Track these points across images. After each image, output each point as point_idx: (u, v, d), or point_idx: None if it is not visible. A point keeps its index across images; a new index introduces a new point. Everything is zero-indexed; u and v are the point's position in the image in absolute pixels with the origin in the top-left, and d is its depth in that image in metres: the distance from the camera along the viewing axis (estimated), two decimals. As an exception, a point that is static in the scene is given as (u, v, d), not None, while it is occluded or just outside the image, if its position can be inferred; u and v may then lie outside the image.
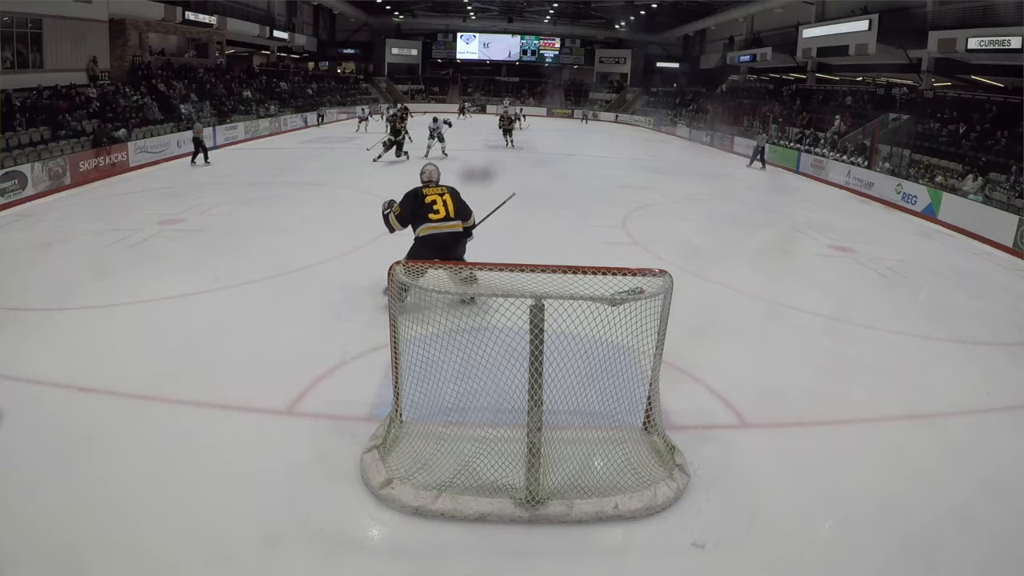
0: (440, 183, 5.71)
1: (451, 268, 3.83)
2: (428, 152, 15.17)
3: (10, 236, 8.14)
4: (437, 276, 3.56)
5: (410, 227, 5.50)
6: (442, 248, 5.32)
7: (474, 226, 5.71)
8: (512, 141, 19.52)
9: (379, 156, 14.78)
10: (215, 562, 2.86)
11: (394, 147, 15.01)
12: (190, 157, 14.07)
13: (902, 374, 5.04)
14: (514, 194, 6.47)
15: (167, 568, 2.81)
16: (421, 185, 5.61)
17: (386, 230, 5.73)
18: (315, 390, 4.28)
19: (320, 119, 25.69)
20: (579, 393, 3.45)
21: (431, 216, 5.29)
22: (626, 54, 39.55)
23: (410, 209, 5.41)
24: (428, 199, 5.36)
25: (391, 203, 5.66)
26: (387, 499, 3.20)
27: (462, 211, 5.48)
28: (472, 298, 3.69)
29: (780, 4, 25.07)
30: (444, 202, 5.35)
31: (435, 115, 16.95)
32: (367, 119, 23.82)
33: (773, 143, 19.61)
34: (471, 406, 3.54)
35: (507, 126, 19.84)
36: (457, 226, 5.40)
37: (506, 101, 33.86)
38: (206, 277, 6.42)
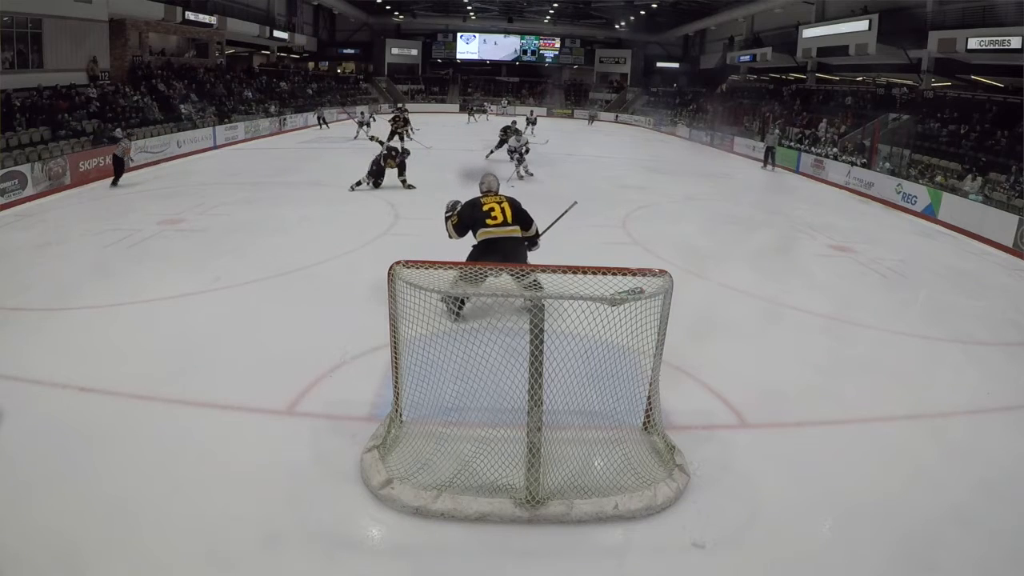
0: (498, 193, 5.58)
1: (513, 272, 3.75)
2: (518, 174, 12.87)
3: (10, 236, 8.14)
4: (502, 281, 3.52)
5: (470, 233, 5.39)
6: (501, 253, 5.16)
7: (537, 235, 5.56)
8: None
9: (358, 184, 11.29)
10: (215, 562, 2.86)
11: (376, 174, 11.40)
12: (116, 178, 11.69)
13: (902, 374, 5.04)
14: (576, 203, 6.39)
15: (167, 568, 2.81)
16: (480, 195, 5.54)
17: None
18: (315, 390, 4.28)
19: (321, 121, 23.74)
20: (579, 393, 3.45)
21: (488, 222, 5.22)
22: (626, 54, 39.53)
23: (468, 217, 5.33)
24: (486, 207, 5.29)
25: (455, 205, 5.58)
26: (387, 499, 3.21)
27: (521, 218, 5.37)
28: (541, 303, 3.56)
29: (780, 4, 25.05)
30: (502, 209, 5.27)
31: (517, 127, 14.04)
32: (368, 123, 20.36)
33: (781, 144, 19.16)
34: (471, 406, 3.54)
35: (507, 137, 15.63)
36: (515, 231, 5.27)
37: (504, 101, 33.72)
38: (206, 277, 6.42)
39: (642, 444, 3.63)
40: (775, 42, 26.36)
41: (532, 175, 13.24)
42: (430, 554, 2.98)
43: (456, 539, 3.04)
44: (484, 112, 30.97)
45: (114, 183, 11.61)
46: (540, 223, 5.66)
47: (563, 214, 6.17)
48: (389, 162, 11.40)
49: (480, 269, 3.61)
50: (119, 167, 11.70)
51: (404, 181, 11.48)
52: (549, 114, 35.31)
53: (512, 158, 13.47)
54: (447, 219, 5.51)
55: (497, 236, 5.22)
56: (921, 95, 18.20)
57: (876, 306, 6.63)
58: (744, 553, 3.05)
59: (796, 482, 3.56)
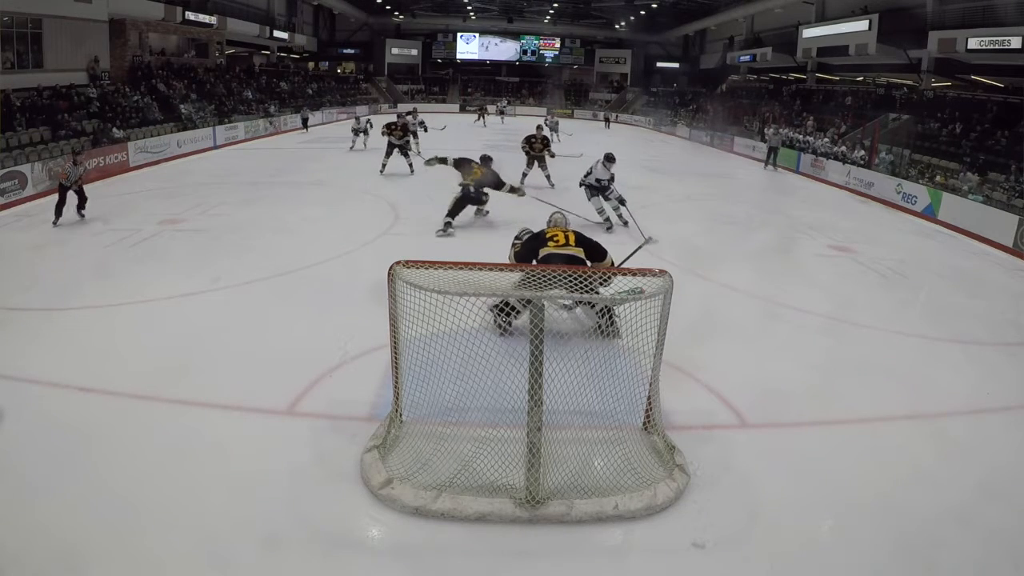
0: (564, 225, 5.42)
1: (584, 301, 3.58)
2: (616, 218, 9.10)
3: (10, 236, 8.14)
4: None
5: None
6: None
7: (614, 267, 5.36)
8: (550, 177, 12.16)
9: (448, 227, 8.44)
10: (215, 562, 2.86)
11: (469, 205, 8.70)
12: (54, 213, 8.44)
13: (902, 374, 5.03)
14: (650, 238, 6.20)
15: (167, 568, 2.81)
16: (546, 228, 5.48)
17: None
18: (315, 390, 4.28)
19: (305, 124, 22.57)
20: (579, 393, 3.45)
21: (550, 244, 5.15)
22: (626, 54, 39.56)
23: (529, 247, 5.27)
24: (549, 234, 5.24)
25: (524, 232, 5.57)
26: (387, 499, 3.21)
27: (589, 247, 5.21)
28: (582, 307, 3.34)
29: (780, 4, 25.08)
30: (565, 235, 5.21)
31: (606, 156, 9.01)
32: (366, 130, 17.55)
33: (785, 144, 18.78)
34: (471, 406, 3.54)
35: (539, 151, 12.16)
36: (578, 252, 5.11)
37: (504, 101, 33.57)
38: (206, 277, 6.42)
39: (642, 444, 3.63)
40: (775, 42, 26.38)
41: (627, 223, 9.08)
42: (430, 554, 2.98)
43: (456, 539, 3.04)
44: (502, 114, 29.28)
45: (56, 219, 8.42)
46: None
47: (636, 250, 6.09)
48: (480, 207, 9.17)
49: (543, 271, 3.59)
50: (63, 197, 8.52)
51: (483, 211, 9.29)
52: (549, 114, 35.27)
53: (603, 196, 9.03)
54: (513, 244, 5.51)
55: (557, 252, 5.08)
56: (921, 95, 18.20)
57: (876, 306, 6.63)
58: (744, 553, 3.04)
59: (796, 482, 3.56)
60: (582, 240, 5.23)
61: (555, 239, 5.17)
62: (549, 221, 5.64)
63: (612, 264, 5.38)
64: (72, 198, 8.69)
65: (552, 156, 12.38)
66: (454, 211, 8.51)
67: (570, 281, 3.32)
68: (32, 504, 3.13)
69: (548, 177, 12.21)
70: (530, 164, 12.26)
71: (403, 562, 2.96)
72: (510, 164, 13.98)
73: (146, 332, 5.17)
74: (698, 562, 2.98)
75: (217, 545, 2.94)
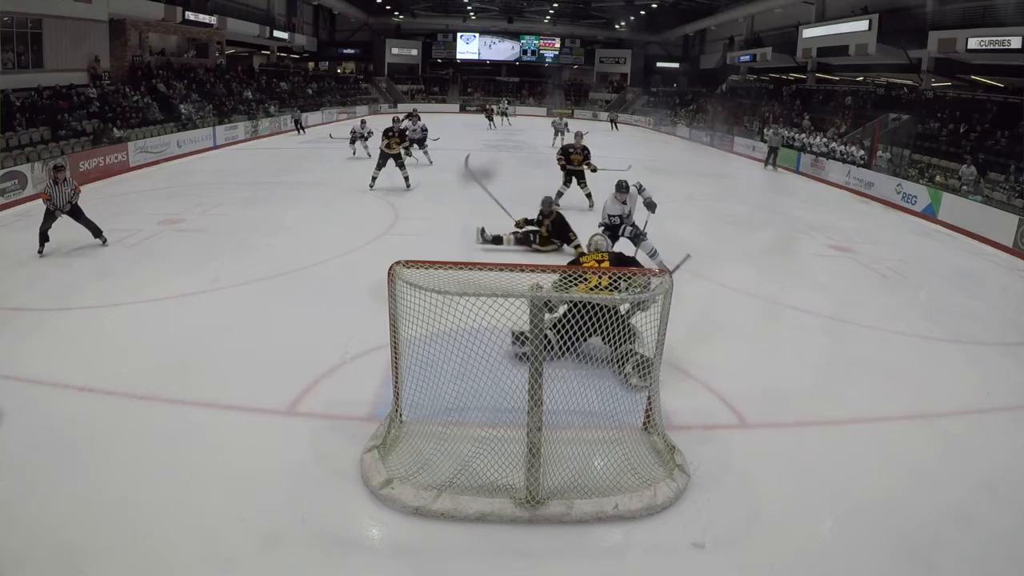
0: (604, 250, 5.08)
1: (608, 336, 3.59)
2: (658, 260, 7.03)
3: (10, 236, 8.13)
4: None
5: None
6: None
7: None
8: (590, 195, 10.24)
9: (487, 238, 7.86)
10: (215, 562, 2.86)
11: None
12: (39, 241, 7.15)
13: (902, 374, 5.04)
14: (689, 255, 6.01)
15: (167, 568, 2.81)
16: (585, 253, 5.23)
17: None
18: (315, 390, 4.28)
19: (298, 126, 21.82)
20: (579, 393, 3.45)
21: (584, 284, 4.89)
22: (626, 54, 39.57)
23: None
24: (586, 264, 4.99)
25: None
26: (387, 499, 3.21)
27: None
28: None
29: (780, 4, 25.09)
30: (602, 264, 4.95)
31: (616, 186, 7.21)
32: (365, 135, 15.92)
33: (787, 145, 18.66)
34: (471, 406, 3.54)
35: (579, 164, 10.17)
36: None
37: (504, 101, 33.52)
38: (206, 277, 6.42)
39: (642, 444, 3.63)
40: (775, 42, 26.39)
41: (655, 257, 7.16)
42: (430, 554, 2.98)
43: (456, 539, 3.04)
44: (505, 115, 28.45)
45: (42, 246, 7.15)
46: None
47: (678, 266, 5.93)
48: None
49: (576, 272, 3.57)
50: (48, 222, 7.19)
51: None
52: (549, 114, 35.22)
53: (627, 237, 7.13)
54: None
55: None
56: (921, 95, 18.21)
57: (876, 306, 6.63)
58: (744, 553, 3.04)
59: (796, 482, 3.56)
60: (621, 263, 4.98)
61: (593, 274, 4.80)
62: (589, 244, 5.28)
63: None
64: (72, 224, 7.42)
65: (594, 170, 10.26)
66: (523, 240, 7.83)
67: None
68: (32, 504, 3.13)
69: (588, 196, 10.17)
70: (567, 181, 10.20)
71: (403, 562, 2.96)
72: (510, 166, 13.98)
73: (146, 332, 5.17)
74: (698, 562, 2.98)
75: (217, 545, 2.94)
